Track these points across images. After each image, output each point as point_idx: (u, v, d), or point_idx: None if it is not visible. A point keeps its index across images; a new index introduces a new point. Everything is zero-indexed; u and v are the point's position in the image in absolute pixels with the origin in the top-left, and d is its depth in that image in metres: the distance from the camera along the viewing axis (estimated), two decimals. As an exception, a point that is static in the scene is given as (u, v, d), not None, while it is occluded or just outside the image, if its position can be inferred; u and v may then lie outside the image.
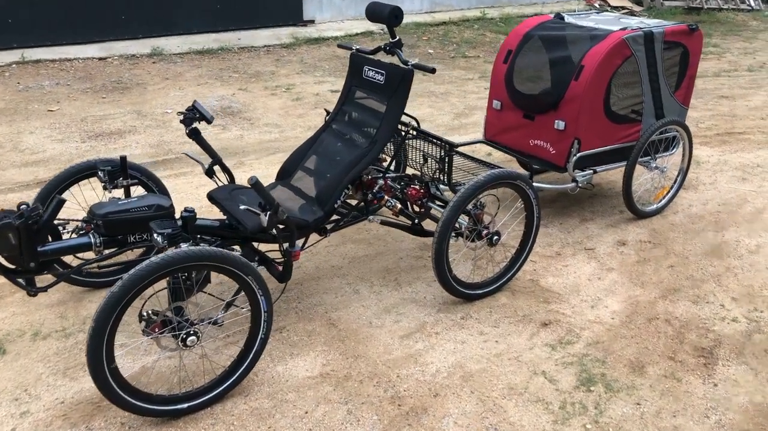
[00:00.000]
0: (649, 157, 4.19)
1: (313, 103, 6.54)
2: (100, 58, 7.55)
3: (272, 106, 6.39)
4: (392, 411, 2.59)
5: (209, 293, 2.68)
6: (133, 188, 3.13)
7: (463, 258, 3.69)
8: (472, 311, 3.23)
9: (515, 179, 3.16)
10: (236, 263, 2.41)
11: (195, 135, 3.22)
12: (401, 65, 3.13)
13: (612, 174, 4.92)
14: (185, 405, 2.50)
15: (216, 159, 3.30)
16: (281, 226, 2.87)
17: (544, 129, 3.94)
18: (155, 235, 2.47)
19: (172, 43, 8.17)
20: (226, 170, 3.35)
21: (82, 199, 3.61)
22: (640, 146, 3.94)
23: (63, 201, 2.58)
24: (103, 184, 3.01)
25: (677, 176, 4.43)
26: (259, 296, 2.52)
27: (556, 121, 3.85)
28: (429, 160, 3.41)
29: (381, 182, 3.27)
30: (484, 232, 3.24)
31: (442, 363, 2.86)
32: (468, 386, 2.73)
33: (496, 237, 3.27)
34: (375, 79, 3.23)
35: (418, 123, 4.05)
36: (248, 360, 2.61)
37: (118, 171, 3.01)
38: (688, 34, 4.03)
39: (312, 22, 9.66)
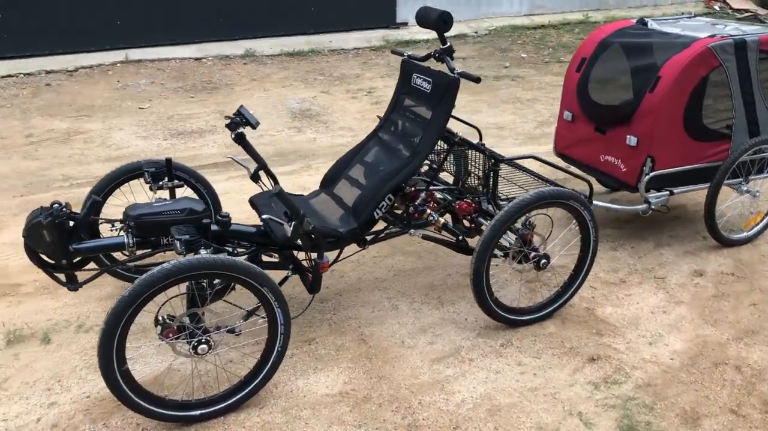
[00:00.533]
0: (740, 179, 3.76)
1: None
2: (196, 59, 7.86)
3: (350, 110, 6.37)
4: (406, 440, 2.45)
5: (229, 302, 2.65)
6: (181, 190, 3.18)
7: (511, 280, 3.46)
8: (515, 339, 3.02)
9: (567, 199, 2.91)
10: (250, 274, 2.36)
11: (240, 140, 3.21)
12: (448, 73, 2.97)
13: (700, 195, 4.48)
14: (198, 412, 2.48)
15: (261, 164, 3.28)
16: (311, 236, 2.79)
17: (616, 144, 3.64)
18: (174, 240, 2.47)
19: (265, 45, 8.37)
20: (271, 175, 3.32)
21: (144, 198, 3.71)
22: (727, 167, 3.54)
23: (98, 202, 2.64)
24: (148, 185, 3.07)
25: (774, 201, 3.97)
26: (275, 308, 2.46)
27: (628, 136, 3.54)
28: (473, 173, 3.22)
29: (424, 194, 3.12)
30: (532, 254, 3.01)
31: (469, 393, 2.68)
32: (493, 421, 2.53)
33: (544, 261, 3.02)
34: (422, 87, 3.09)
35: (480, 133, 3.88)
36: (264, 372, 2.55)
37: (163, 173, 3.05)
38: (790, 43, 3.59)
39: (405, 24, 9.59)
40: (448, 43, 3.09)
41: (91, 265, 2.84)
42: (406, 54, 3.32)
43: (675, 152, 3.52)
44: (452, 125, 3.82)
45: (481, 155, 3.19)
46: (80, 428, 2.48)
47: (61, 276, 2.72)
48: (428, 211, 3.09)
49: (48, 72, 7.28)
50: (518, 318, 3.07)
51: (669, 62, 3.38)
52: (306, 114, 6.25)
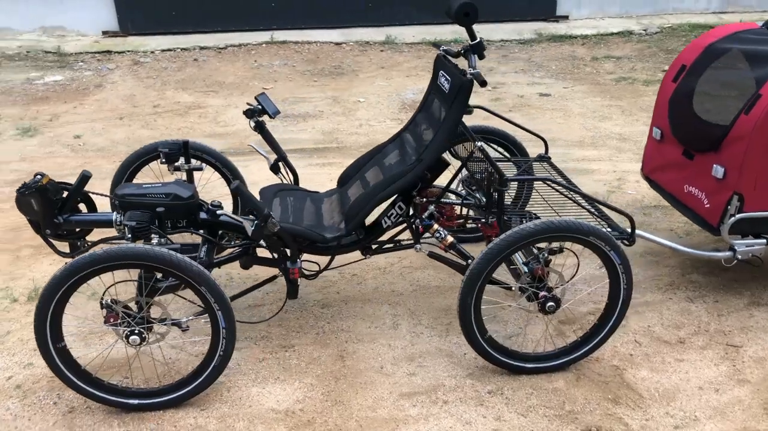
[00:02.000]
0: None
1: (512, 105, 5.98)
2: (336, 43, 7.94)
3: (465, 105, 6.00)
4: (325, 479, 2.19)
5: (180, 296, 2.55)
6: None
7: (535, 320, 2.98)
8: (509, 388, 2.58)
9: (586, 235, 2.40)
10: (183, 270, 2.23)
11: (260, 129, 3.11)
12: (463, 75, 2.59)
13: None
14: (135, 401, 2.43)
15: (281, 155, 3.15)
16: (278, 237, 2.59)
17: (702, 174, 2.96)
18: (124, 226, 2.43)
19: (407, 33, 8.22)
20: (290, 167, 3.18)
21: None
22: None
23: (86, 175, 2.67)
24: (165, 166, 3.08)
25: None
26: (215, 311, 2.32)
27: (715, 165, 2.85)
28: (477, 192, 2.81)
29: (432, 208, 2.77)
30: (541, 293, 2.54)
31: (421, 441, 2.34)
32: (429, 480, 2.18)
33: (551, 304, 2.54)
34: (443, 86, 2.74)
35: (546, 144, 3.42)
36: (204, 375, 2.43)
37: (176, 154, 3.04)
38: None
39: (566, 18, 8.88)
40: (478, 38, 2.69)
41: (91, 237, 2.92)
42: (442, 48, 2.97)
43: (773, 191, 2.78)
44: (517, 133, 3.42)
45: (487, 171, 2.77)
46: (37, 394, 2.56)
47: (64, 245, 2.82)
48: (435, 226, 2.74)
49: (202, 48, 7.80)
50: (520, 365, 2.63)
51: (775, 78, 2.65)
52: (414, 106, 6.00)
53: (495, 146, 3.47)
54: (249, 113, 3.06)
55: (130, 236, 2.40)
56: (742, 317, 3.02)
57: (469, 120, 2.97)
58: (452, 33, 8.18)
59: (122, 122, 5.65)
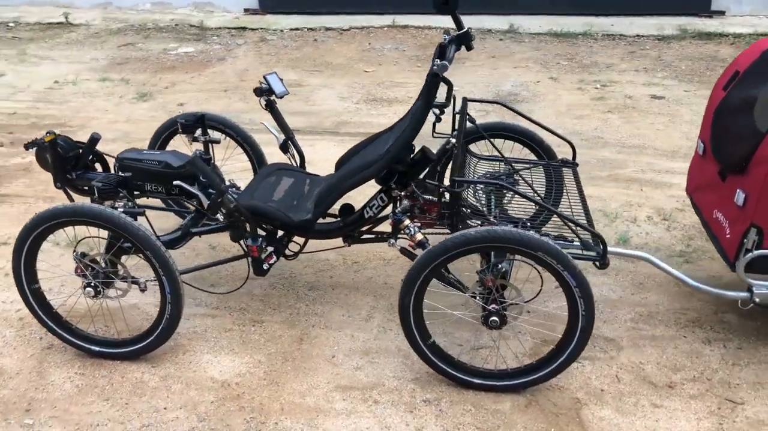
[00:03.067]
0: None
1: (613, 105, 5.51)
2: (457, 30, 7.79)
3: (563, 102, 5.63)
4: (224, 453, 2.24)
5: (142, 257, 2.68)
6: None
7: (522, 331, 2.76)
8: (447, 401, 2.44)
9: (534, 250, 2.18)
10: (129, 232, 2.38)
11: (270, 107, 3.18)
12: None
13: None
14: (96, 349, 2.65)
15: (289, 136, 3.21)
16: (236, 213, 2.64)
17: (728, 198, 2.55)
18: (93, 185, 2.62)
19: (533, 23, 7.84)
20: (297, 148, 3.22)
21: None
22: None
23: (95, 137, 2.91)
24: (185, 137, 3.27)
25: None
26: (161, 276, 2.44)
27: (738, 190, 2.44)
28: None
29: (406, 202, 2.67)
30: (489, 306, 2.36)
31: (329, 436, 2.29)
32: (316, 476, 2.14)
33: (494, 319, 2.34)
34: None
35: (574, 150, 3.16)
36: (154, 335, 2.57)
37: (191, 126, 3.20)
38: None
39: (722, 13, 7.93)
40: (466, 28, 2.53)
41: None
42: (445, 37, 2.82)
43: (806, 227, 2.32)
44: (545, 136, 3.18)
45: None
46: (32, 328, 2.86)
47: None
48: (406, 222, 2.65)
49: (327, 29, 8.05)
50: (466, 378, 2.47)
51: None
52: (510, 99, 5.74)
53: (522, 147, 3.25)
54: (258, 92, 3.14)
55: (96, 196, 2.59)
56: (754, 368, 2.57)
57: (497, 116, 2.83)
58: (583, 25, 7.67)
59: (225, 94, 6.03)
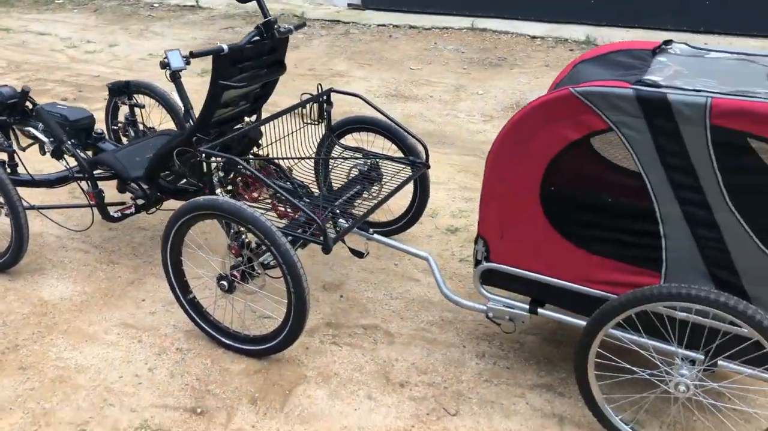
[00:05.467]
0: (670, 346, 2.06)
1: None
2: (532, 37, 7.60)
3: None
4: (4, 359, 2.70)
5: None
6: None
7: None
8: (195, 352, 2.69)
9: (245, 221, 2.35)
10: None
11: (173, 79, 3.57)
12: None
13: None
14: None
15: (187, 107, 3.58)
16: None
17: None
18: None
19: (616, 35, 7.41)
20: (193, 118, 3.59)
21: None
22: (612, 309, 2.03)
23: (25, 90, 3.50)
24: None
25: None
26: (2, 204, 2.96)
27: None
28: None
29: (221, 174, 2.93)
30: (229, 271, 2.56)
31: (72, 355, 2.65)
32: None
33: (222, 282, 2.53)
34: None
35: (427, 152, 3.22)
36: (6, 257, 3.11)
37: (116, 90, 3.71)
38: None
39: None
40: (270, 17, 2.73)
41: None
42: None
43: (526, 245, 2.21)
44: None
45: None
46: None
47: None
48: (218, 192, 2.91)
49: (411, 27, 8.26)
50: (216, 336, 2.69)
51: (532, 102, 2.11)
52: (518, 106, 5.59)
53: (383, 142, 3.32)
54: (162, 65, 3.55)
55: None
56: (505, 394, 2.46)
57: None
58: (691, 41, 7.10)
59: (271, 77, 6.57)
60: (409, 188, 3.23)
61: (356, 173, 3.16)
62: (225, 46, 2.63)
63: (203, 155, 2.60)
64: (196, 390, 2.49)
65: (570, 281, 2.18)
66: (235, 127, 3.03)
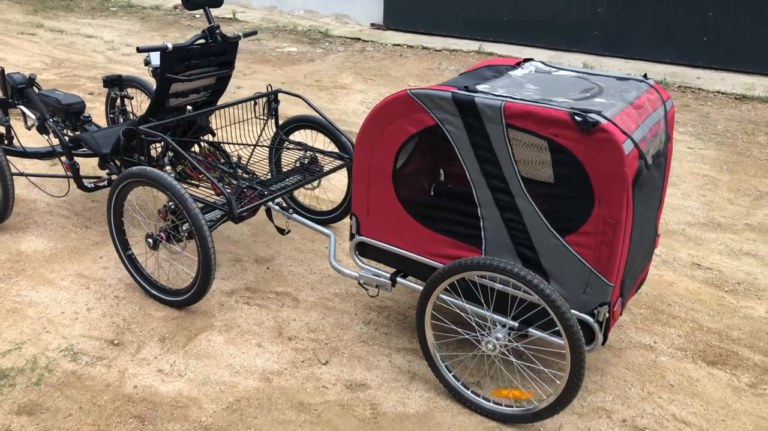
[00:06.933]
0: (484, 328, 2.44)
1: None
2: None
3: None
4: (-29, 286, 3.26)
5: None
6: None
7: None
8: (128, 299, 3.18)
9: (164, 188, 2.85)
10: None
11: (155, 75, 4.13)
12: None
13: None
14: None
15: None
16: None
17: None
18: None
19: (652, 69, 7.70)
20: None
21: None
22: (437, 278, 2.43)
23: (32, 77, 4.13)
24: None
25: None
26: (-7, 168, 3.55)
27: (365, 184, 2.80)
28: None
29: (170, 154, 3.45)
30: (157, 233, 3.06)
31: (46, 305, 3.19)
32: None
33: (149, 240, 3.04)
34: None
35: (353, 146, 3.66)
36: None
37: (110, 83, 4.30)
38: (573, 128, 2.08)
39: (839, 82, 6.99)
40: (213, 23, 3.24)
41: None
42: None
43: (386, 222, 2.63)
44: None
45: None
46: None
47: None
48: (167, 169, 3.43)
49: (423, 47, 8.76)
50: (147, 288, 3.18)
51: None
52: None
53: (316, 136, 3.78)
54: (145, 62, 4.12)
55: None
56: (368, 354, 2.86)
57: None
58: (669, 74, 7.35)
59: (281, 85, 7.14)
60: (344, 182, 3.69)
61: (298, 165, 3.63)
62: (170, 45, 3.14)
63: (142, 134, 3.13)
64: (119, 327, 2.99)
65: (419, 255, 2.58)
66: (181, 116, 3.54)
